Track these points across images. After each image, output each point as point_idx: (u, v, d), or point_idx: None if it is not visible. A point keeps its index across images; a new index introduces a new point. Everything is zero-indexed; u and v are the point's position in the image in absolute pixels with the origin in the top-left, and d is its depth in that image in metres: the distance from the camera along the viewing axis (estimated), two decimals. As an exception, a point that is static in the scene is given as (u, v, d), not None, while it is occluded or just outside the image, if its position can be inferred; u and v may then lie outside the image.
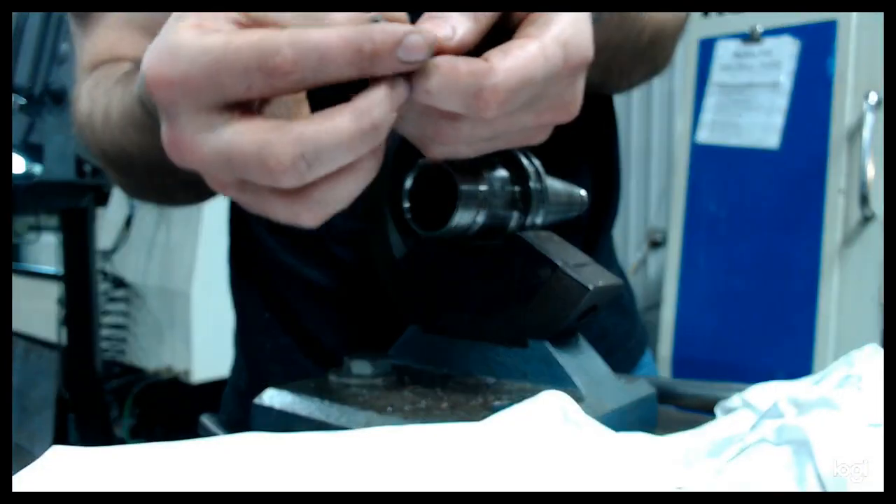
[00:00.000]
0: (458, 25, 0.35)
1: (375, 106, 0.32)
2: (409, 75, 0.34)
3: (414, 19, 0.36)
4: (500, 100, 0.34)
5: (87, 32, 0.67)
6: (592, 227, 0.75)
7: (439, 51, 0.34)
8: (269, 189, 0.34)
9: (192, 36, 0.32)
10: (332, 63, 0.31)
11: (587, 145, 0.74)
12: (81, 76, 0.67)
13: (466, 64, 0.34)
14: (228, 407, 0.81)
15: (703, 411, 0.53)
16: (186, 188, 0.63)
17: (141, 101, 0.49)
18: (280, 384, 0.50)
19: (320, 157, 0.32)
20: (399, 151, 0.50)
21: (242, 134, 0.32)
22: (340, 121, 0.32)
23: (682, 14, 0.72)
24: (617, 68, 0.66)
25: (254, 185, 0.34)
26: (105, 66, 0.64)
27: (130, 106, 0.52)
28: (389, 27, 0.32)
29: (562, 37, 0.36)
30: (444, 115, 0.36)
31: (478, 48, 0.36)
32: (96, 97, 0.59)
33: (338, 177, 0.34)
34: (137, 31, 0.65)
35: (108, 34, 0.65)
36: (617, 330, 0.78)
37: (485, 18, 0.36)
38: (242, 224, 0.76)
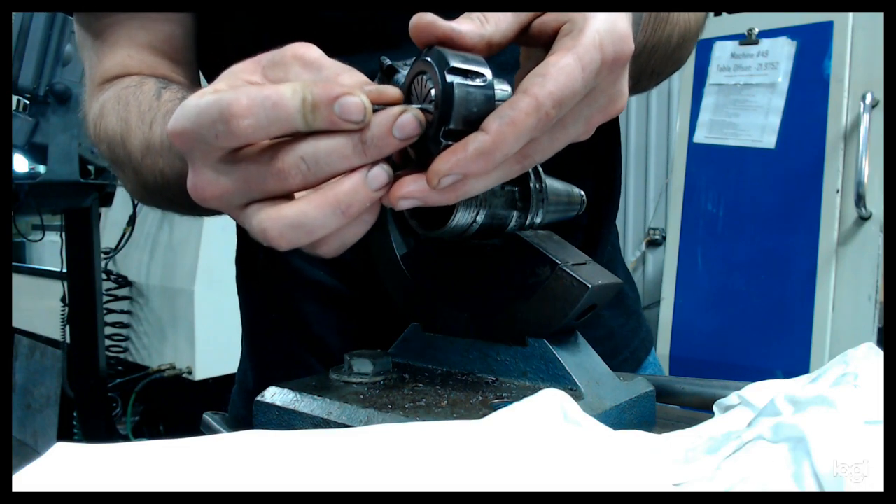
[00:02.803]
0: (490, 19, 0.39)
1: (346, 192, 0.37)
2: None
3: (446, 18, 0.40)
4: (553, 120, 0.37)
5: (96, 50, 0.69)
6: (593, 224, 0.75)
7: (466, 46, 0.38)
8: None
9: (193, 98, 0.37)
10: (282, 108, 0.35)
11: (591, 146, 0.74)
12: (93, 90, 0.68)
13: (519, 112, 0.36)
14: (236, 406, 0.81)
15: (701, 409, 0.54)
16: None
17: None
18: (282, 382, 0.50)
19: (304, 229, 0.38)
20: (399, 152, 0.50)
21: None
22: (309, 202, 0.37)
23: (702, 13, 0.73)
24: (649, 70, 0.67)
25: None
26: (122, 84, 0.65)
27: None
28: (330, 85, 0.36)
29: (596, 40, 0.37)
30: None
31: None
32: (128, 120, 0.61)
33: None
34: (145, 48, 0.67)
35: (117, 52, 0.67)
36: (623, 330, 0.78)
37: (523, 17, 0.39)
38: None
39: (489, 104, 0.38)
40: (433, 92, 0.38)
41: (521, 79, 0.43)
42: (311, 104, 0.35)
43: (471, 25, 0.39)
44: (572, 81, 0.36)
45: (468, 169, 0.37)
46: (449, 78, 0.37)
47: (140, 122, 0.59)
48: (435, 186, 0.37)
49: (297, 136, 0.37)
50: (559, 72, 0.36)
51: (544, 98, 0.36)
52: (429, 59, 0.38)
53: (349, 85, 0.37)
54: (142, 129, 0.59)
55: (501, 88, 0.40)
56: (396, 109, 0.37)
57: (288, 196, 0.39)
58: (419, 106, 0.38)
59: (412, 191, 0.38)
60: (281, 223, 0.38)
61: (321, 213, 0.37)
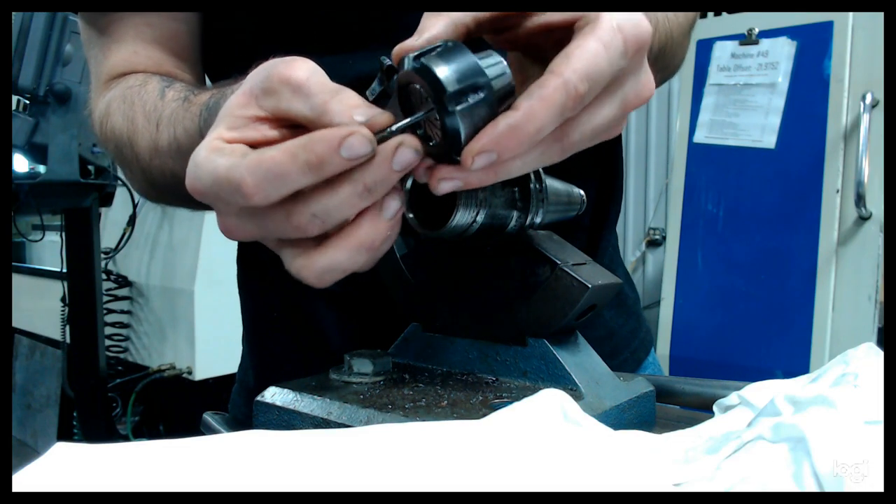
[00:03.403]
0: (427, 28, 0.39)
1: (367, 233, 0.39)
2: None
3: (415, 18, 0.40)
4: (583, 98, 0.37)
5: (102, 46, 0.69)
6: (595, 226, 0.75)
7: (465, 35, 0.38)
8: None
9: (204, 157, 0.39)
10: (289, 177, 0.36)
11: (594, 147, 0.74)
12: (99, 87, 0.69)
13: (547, 88, 0.37)
14: (237, 405, 0.81)
15: (701, 409, 0.54)
16: None
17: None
18: (282, 382, 0.50)
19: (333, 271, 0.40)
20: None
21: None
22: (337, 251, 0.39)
23: (689, 16, 0.72)
24: None
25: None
26: (126, 83, 0.65)
27: (186, 145, 0.56)
28: (329, 134, 0.36)
29: (614, 23, 0.38)
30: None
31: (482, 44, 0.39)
32: (135, 120, 0.61)
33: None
34: (151, 45, 0.67)
35: (123, 48, 0.67)
36: (622, 330, 0.78)
37: (484, 16, 0.39)
38: None
39: (491, 109, 0.37)
40: (430, 100, 0.37)
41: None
42: (316, 163, 0.36)
43: (439, 23, 0.39)
44: (597, 59, 0.37)
45: (501, 146, 0.37)
46: (450, 108, 0.36)
47: (146, 123, 0.60)
48: (470, 167, 0.37)
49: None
50: (583, 51, 0.37)
51: (570, 74, 0.37)
52: (419, 76, 0.37)
53: (342, 115, 0.37)
54: (148, 130, 0.59)
55: (493, 63, 0.38)
56: (391, 146, 0.37)
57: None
58: (420, 115, 0.38)
59: (451, 172, 0.38)
60: (316, 270, 0.40)
61: (349, 255, 0.39)
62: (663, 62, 0.69)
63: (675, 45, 0.69)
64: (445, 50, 0.37)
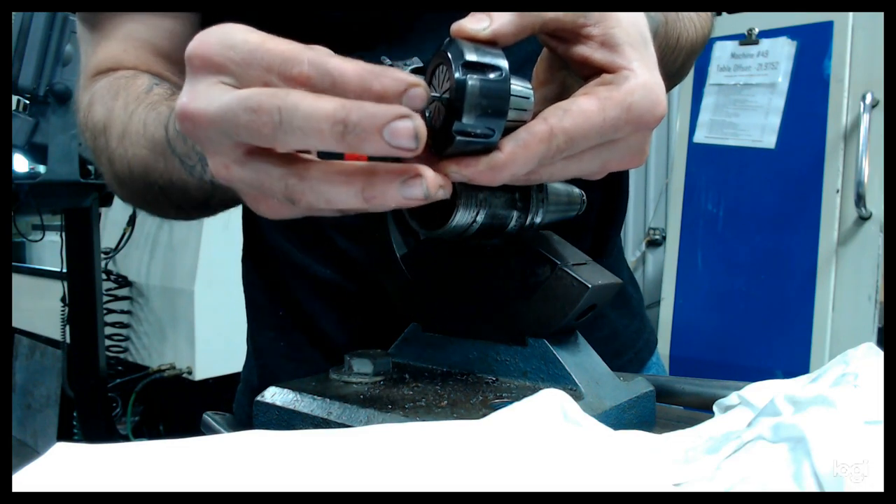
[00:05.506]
0: (495, 17, 0.38)
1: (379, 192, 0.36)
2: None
3: (438, 18, 0.40)
4: (563, 153, 0.39)
5: (93, 41, 0.69)
6: (601, 228, 0.75)
7: (472, 38, 0.38)
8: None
9: (241, 29, 0.37)
10: (342, 91, 0.34)
11: None
12: (86, 81, 0.68)
13: (533, 137, 0.37)
14: (242, 404, 0.81)
15: (701, 409, 0.54)
16: (178, 209, 0.64)
17: (165, 128, 0.55)
18: (282, 382, 0.50)
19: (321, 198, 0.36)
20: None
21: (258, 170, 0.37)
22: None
23: (708, 32, 0.72)
24: None
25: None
26: (115, 76, 0.65)
27: (154, 130, 0.55)
28: (399, 75, 0.34)
29: (626, 101, 0.38)
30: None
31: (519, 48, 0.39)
32: (114, 109, 0.60)
33: None
34: (141, 46, 0.67)
35: (112, 45, 0.67)
36: (627, 331, 0.79)
37: (528, 17, 0.39)
38: (256, 224, 0.77)
39: (503, 99, 0.38)
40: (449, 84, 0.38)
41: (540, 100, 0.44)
42: (378, 93, 0.34)
43: (510, 19, 0.39)
44: (589, 126, 0.38)
45: (476, 179, 0.38)
46: (462, 73, 0.37)
47: (122, 112, 0.59)
48: (441, 172, 0.38)
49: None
50: (580, 113, 0.38)
51: (559, 131, 0.38)
52: (447, 52, 0.38)
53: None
54: (122, 119, 0.59)
55: (523, 86, 0.40)
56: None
57: None
58: (436, 95, 0.38)
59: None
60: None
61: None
62: (681, 73, 0.69)
63: (692, 58, 0.70)
64: (496, 81, 0.37)
